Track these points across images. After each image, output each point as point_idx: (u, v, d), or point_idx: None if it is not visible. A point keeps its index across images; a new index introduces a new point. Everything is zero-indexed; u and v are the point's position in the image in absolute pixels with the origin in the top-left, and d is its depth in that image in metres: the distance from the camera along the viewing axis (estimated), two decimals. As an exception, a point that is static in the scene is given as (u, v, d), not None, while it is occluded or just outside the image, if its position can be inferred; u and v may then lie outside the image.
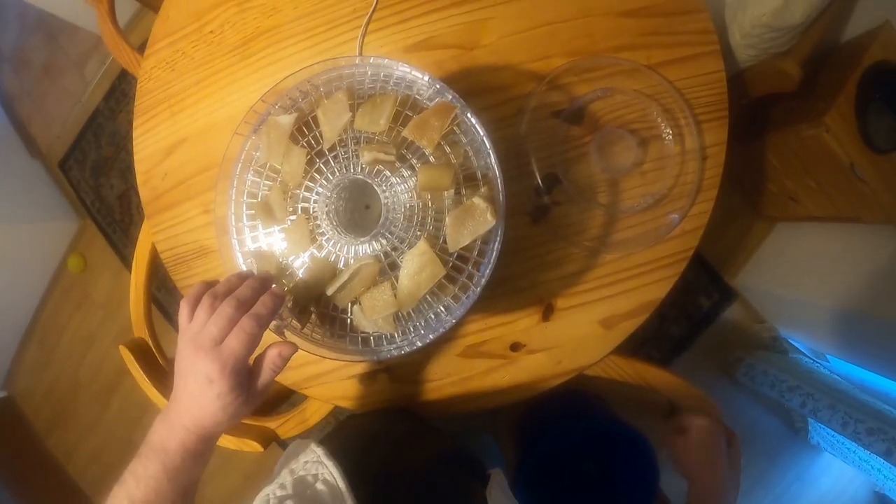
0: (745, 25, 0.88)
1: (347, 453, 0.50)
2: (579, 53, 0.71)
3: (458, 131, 0.50)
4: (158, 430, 0.46)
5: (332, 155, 0.52)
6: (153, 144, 0.83)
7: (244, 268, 0.54)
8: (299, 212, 0.52)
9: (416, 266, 0.47)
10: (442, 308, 0.51)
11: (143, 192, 0.84)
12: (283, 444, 1.46)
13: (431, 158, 0.51)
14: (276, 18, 0.77)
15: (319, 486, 0.46)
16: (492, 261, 0.48)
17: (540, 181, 0.68)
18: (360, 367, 0.74)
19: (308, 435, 0.84)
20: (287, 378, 0.77)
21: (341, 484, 0.45)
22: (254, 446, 0.84)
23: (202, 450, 0.46)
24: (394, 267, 0.50)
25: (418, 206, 0.49)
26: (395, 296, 0.48)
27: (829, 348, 1.37)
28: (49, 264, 1.87)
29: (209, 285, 0.46)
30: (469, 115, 0.49)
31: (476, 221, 0.47)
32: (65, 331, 1.92)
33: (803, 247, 1.34)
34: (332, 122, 0.50)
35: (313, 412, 0.84)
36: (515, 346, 0.71)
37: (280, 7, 0.77)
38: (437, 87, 0.50)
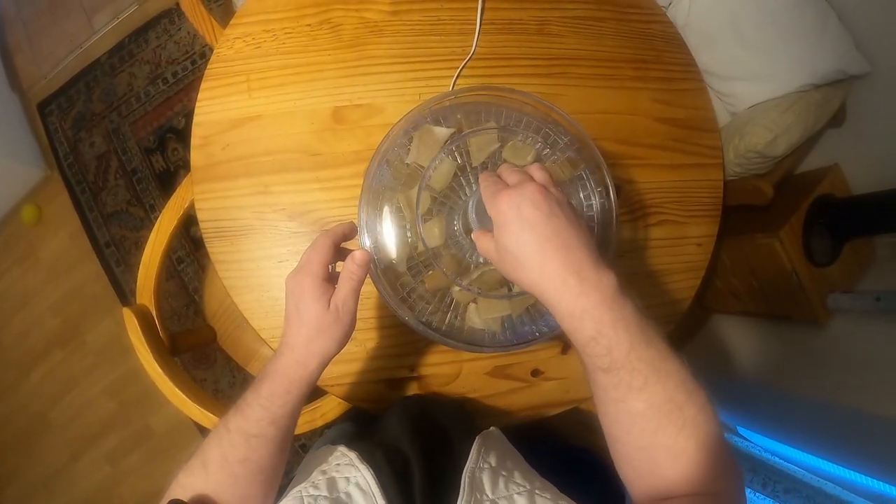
0: (740, 149, 1.05)
1: (377, 459, 0.50)
2: (625, 143, 0.86)
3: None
4: (266, 366, 0.51)
5: (473, 171, 0.57)
6: (219, 112, 0.82)
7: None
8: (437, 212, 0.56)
9: None
10: (540, 327, 0.55)
11: (196, 156, 0.82)
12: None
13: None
14: (378, 37, 0.82)
15: (352, 489, 0.46)
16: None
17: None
18: (391, 373, 0.76)
19: (314, 436, 0.83)
20: None
21: (374, 488, 0.45)
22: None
23: (300, 376, 0.49)
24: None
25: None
26: (509, 301, 0.52)
27: (745, 421, 1.54)
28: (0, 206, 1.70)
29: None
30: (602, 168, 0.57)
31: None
32: (-4, 285, 1.74)
33: (731, 334, 1.55)
34: (481, 145, 0.55)
35: (326, 412, 0.83)
36: (536, 373, 0.79)
37: (383, 28, 0.82)
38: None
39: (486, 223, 0.48)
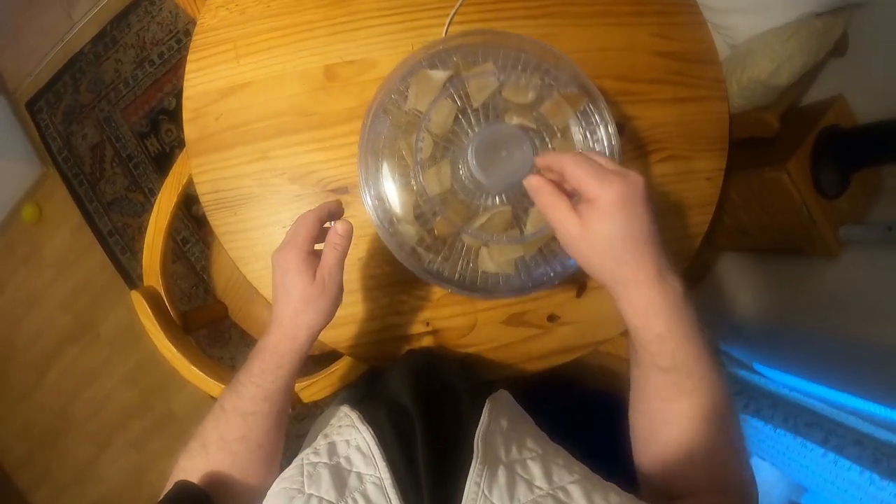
0: (742, 80, 1.03)
1: (379, 418, 0.49)
2: (625, 79, 0.83)
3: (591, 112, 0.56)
4: (257, 344, 0.52)
5: (473, 113, 0.56)
6: (209, 83, 0.80)
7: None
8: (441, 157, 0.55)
9: (542, 218, 0.51)
10: (555, 267, 0.54)
11: (189, 130, 0.80)
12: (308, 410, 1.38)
13: (559, 136, 0.55)
14: (364, -10, 0.79)
15: (352, 452, 0.45)
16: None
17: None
18: (406, 329, 0.75)
19: (331, 401, 0.83)
20: (328, 336, 0.76)
21: (375, 450, 0.44)
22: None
23: (290, 349, 0.51)
24: (519, 219, 0.53)
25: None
26: (521, 243, 0.51)
27: (763, 358, 1.54)
28: (-2, 214, 1.70)
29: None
30: (601, 105, 0.55)
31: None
32: (5, 287, 1.74)
33: (744, 271, 1.53)
34: (480, 86, 0.54)
35: (343, 375, 0.83)
36: (552, 318, 0.78)
37: (368, -19, 0.79)
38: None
39: (497, 176, 0.50)
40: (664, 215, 0.83)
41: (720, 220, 1.44)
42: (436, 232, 0.56)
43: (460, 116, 0.56)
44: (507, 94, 0.57)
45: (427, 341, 0.76)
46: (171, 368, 0.83)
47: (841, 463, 1.16)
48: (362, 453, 0.45)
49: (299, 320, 0.50)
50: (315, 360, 1.17)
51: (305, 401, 0.84)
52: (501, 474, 0.40)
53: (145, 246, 0.90)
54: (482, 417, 0.48)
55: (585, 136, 0.57)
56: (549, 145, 0.57)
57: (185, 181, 0.89)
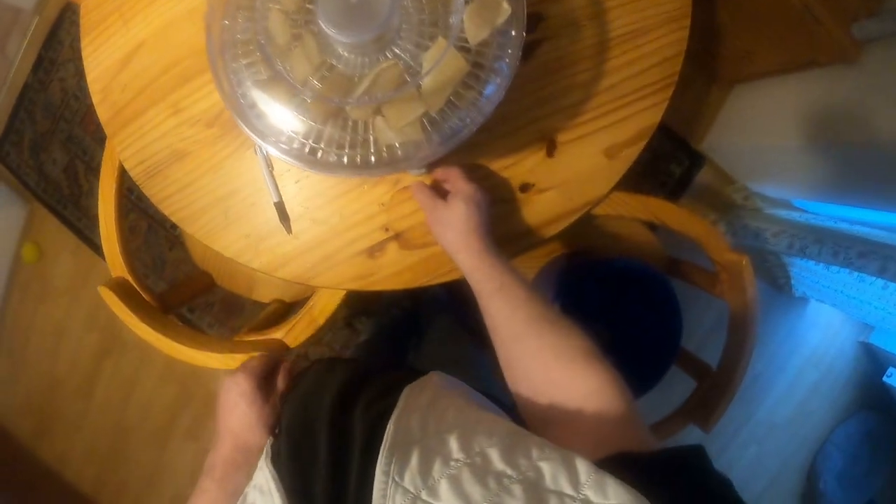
0: None
1: (281, 449, 0.51)
2: None
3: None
4: (209, 456, 0.59)
5: None
6: (107, 59, 0.77)
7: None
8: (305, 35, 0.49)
9: (439, 63, 0.46)
10: (468, 113, 0.49)
11: (102, 111, 0.77)
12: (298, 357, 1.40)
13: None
14: None
15: (253, 492, 0.48)
16: (518, 50, 0.47)
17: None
18: (367, 241, 0.72)
19: (319, 344, 0.82)
20: (289, 272, 0.74)
21: (272, 484, 0.46)
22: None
23: (242, 460, 0.56)
24: (414, 75, 0.48)
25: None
26: (419, 98, 0.46)
27: (799, 191, 1.43)
28: (1, 262, 1.74)
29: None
30: None
31: (492, 12, 0.46)
32: (31, 331, 1.81)
33: (760, 103, 1.39)
34: None
35: (321, 308, 0.81)
36: (525, 187, 0.70)
37: None
38: None
39: (357, 26, 0.47)
40: (631, 40, 0.70)
41: (718, 52, 1.32)
42: (313, 115, 0.50)
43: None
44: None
45: (392, 248, 0.72)
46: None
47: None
48: (261, 492, 0.46)
49: (252, 432, 0.57)
50: (288, 306, 1.16)
51: (292, 346, 0.83)
52: (414, 455, 0.37)
53: (102, 239, 0.90)
54: (398, 403, 0.46)
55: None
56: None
57: (118, 164, 0.87)
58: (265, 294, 1.14)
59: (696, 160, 1.58)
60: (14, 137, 1.74)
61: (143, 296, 0.89)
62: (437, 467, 0.35)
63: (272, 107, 0.50)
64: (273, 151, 0.50)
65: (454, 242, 0.59)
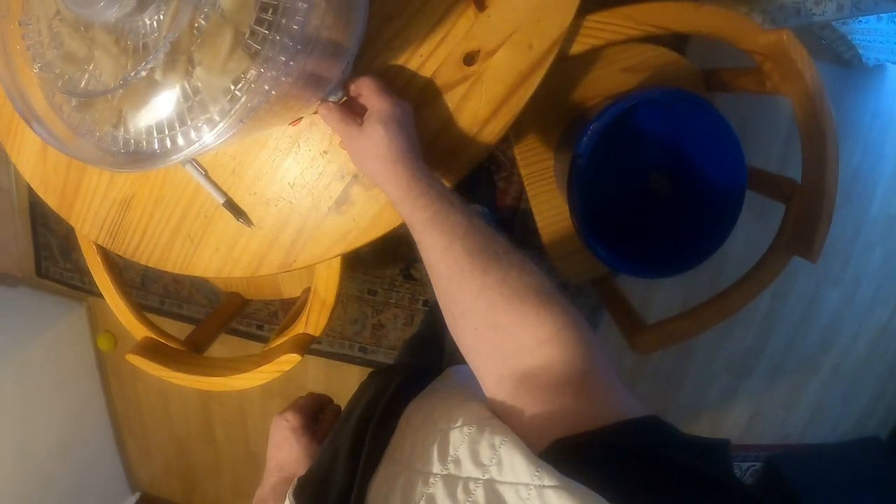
0: None
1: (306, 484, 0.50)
2: None
3: None
4: (257, 491, 0.59)
5: None
6: (31, 154, 0.75)
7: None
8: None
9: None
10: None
11: (50, 200, 0.77)
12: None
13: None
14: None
15: None
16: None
17: None
18: (328, 198, 0.64)
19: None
20: (270, 265, 0.69)
21: None
22: (291, 359, 0.78)
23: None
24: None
25: None
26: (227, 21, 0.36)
27: None
28: (87, 362, 1.88)
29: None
30: None
31: None
32: (140, 407, 1.96)
33: None
34: None
35: (325, 287, 0.76)
36: (469, 58, 0.59)
37: None
38: None
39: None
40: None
41: None
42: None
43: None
44: None
45: (357, 193, 0.64)
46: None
47: None
48: None
49: (298, 464, 0.58)
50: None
51: (317, 334, 0.80)
52: (399, 483, 0.38)
53: (113, 310, 0.90)
54: (398, 425, 0.48)
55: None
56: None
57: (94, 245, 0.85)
58: (293, 289, 1.11)
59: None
60: (44, 252, 1.84)
61: (172, 346, 0.87)
62: (418, 489, 0.35)
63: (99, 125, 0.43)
64: (170, 162, 0.43)
65: (378, 173, 0.51)
